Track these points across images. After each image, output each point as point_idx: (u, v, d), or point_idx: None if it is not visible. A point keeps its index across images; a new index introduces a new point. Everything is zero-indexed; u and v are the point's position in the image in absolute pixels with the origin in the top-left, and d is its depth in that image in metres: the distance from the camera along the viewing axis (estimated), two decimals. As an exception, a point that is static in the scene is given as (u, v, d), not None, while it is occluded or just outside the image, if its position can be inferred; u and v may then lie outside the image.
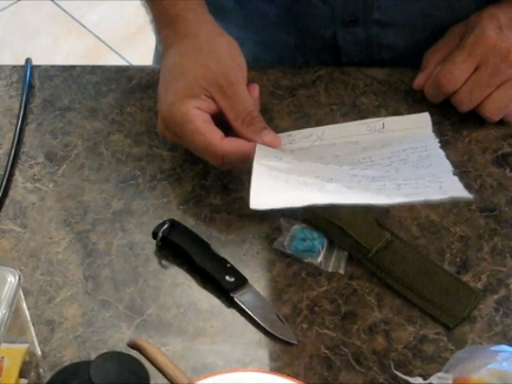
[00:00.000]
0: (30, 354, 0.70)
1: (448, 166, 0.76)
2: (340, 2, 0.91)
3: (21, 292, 0.65)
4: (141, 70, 0.95)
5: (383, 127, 0.83)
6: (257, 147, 0.78)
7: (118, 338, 0.73)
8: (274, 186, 0.73)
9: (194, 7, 0.86)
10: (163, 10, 0.86)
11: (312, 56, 0.97)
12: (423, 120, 0.83)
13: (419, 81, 0.89)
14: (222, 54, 0.82)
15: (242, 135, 0.80)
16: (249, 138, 0.80)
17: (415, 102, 0.89)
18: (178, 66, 0.83)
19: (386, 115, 0.88)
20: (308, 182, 0.75)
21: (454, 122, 0.88)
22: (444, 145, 0.81)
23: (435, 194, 0.71)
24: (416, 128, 0.83)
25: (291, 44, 0.98)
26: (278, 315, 0.74)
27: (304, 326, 0.73)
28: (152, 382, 0.62)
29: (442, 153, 0.78)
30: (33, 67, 0.95)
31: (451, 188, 0.72)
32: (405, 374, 0.68)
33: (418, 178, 0.74)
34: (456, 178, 0.74)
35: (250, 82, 0.84)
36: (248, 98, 0.82)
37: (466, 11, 0.88)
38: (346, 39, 0.95)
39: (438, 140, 0.80)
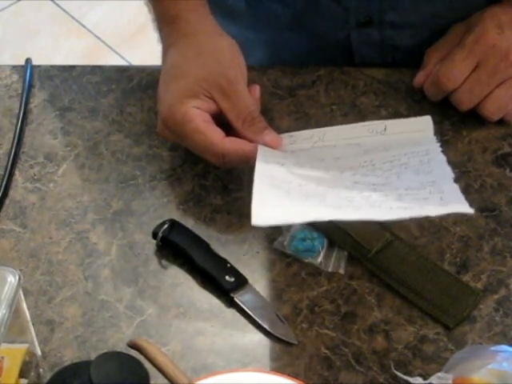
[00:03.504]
0: (30, 354, 0.70)
1: (449, 173, 0.75)
2: (354, 3, 0.91)
3: (21, 292, 0.65)
4: (141, 69, 0.95)
5: (385, 130, 0.83)
6: (258, 151, 0.78)
7: (117, 338, 0.73)
8: (276, 201, 0.72)
9: (195, 7, 0.86)
10: (164, 10, 0.86)
11: (325, 58, 0.97)
12: (425, 123, 0.83)
13: (419, 79, 0.89)
14: (222, 54, 0.82)
15: (243, 135, 0.80)
16: (250, 139, 0.80)
17: (415, 102, 0.90)
18: (178, 66, 0.83)
19: (386, 115, 0.88)
20: (309, 193, 0.74)
21: (454, 122, 0.88)
22: (444, 145, 0.81)
23: (436, 208, 0.71)
24: (418, 131, 0.82)
25: (304, 46, 0.98)
26: (278, 315, 0.74)
27: (304, 325, 0.73)
28: (152, 382, 0.62)
29: (443, 158, 0.78)
30: (33, 67, 0.95)
31: (452, 200, 0.71)
32: (405, 374, 0.68)
33: (419, 188, 0.74)
34: (456, 187, 0.73)
35: (250, 82, 0.84)
36: (248, 97, 0.82)
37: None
38: (360, 41, 0.95)
39: (439, 144, 0.80)
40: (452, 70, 0.84)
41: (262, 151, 0.78)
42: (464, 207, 0.70)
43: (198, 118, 0.79)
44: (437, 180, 0.74)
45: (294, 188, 0.75)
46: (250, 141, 0.80)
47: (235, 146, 0.79)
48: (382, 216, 0.71)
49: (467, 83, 0.84)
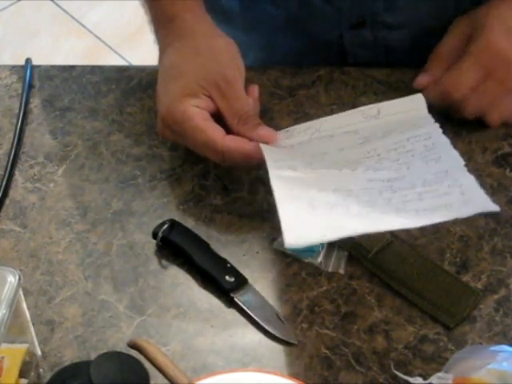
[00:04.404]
0: (30, 354, 0.70)
1: (458, 159, 0.75)
2: (347, 5, 0.91)
3: (21, 292, 0.65)
4: (141, 69, 0.95)
5: (378, 113, 0.83)
6: (264, 154, 0.77)
7: (117, 338, 0.73)
8: (303, 218, 0.72)
9: (191, 7, 0.86)
10: (161, 10, 0.86)
11: (318, 59, 0.97)
12: (417, 101, 0.83)
13: (421, 81, 0.87)
14: (221, 54, 0.82)
15: (238, 133, 0.80)
16: (244, 135, 0.80)
17: (415, 101, 0.89)
18: (177, 66, 0.83)
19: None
20: (331, 201, 0.74)
21: (454, 122, 0.87)
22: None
23: (462, 208, 0.71)
24: (411, 110, 0.82)
25: (297, 47, 0.98)
26: (278, 315, 0.74)
27: (304, 325, 0.73)
28: (152, 382, 0.62)
29: (446, 140, 0.78)
30: (33, 67, 0.95)
31: (475, 197, 0.71)
32: (405, 374, 0.68)
33: (436, 182, 0.73)
34: (473, 178, 0.73)
35: (249, 82, 0.84)
36: (245, 97, 0.82)
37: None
38: (353, 41, 0.95)
39: (438, 125, 0.79)
40: (459, 79, 0.83)
41: (267, 154, 0.77)
42: (489, 205, 0.70)
43: (197, 116, 0.79)
44: (449, 169, 0.74)
45: (314, 196, 0.74)
46: (245, 138, 0.79)
47: (236, 143, 0.79)
48: (413, 223, 0.71)
49: (475, 93, 0.82)
